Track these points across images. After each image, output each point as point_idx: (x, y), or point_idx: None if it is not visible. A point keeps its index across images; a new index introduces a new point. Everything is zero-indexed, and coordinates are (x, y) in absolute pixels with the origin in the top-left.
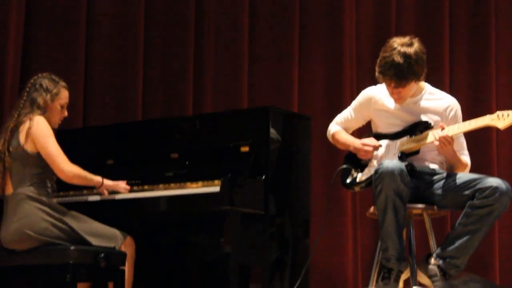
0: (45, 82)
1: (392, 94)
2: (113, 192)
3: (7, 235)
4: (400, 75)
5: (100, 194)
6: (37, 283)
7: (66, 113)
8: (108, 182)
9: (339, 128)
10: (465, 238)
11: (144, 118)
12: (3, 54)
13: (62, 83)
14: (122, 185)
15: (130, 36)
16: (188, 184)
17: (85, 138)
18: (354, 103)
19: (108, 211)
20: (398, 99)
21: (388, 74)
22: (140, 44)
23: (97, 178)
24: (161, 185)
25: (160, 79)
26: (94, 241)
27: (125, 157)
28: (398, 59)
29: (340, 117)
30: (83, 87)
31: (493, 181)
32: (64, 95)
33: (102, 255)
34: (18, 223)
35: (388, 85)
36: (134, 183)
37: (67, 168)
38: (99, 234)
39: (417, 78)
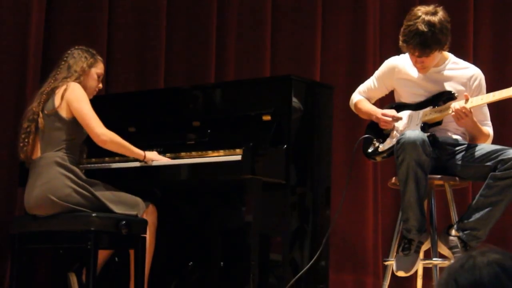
0: (83, 52)
1: (415, 63)
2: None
3: (30, 200)
4: (424, 44)
5: (125, 161)
6: (58, 250)
7: (101, 85)
8: (150, 156)
9: (361, 97)
10: (486, 210)
11: (166, 86)
12: (27, 22)
13: (99, 56)
14: (165, 160)
15: (153, 4)
16: (210, 152)
17: (107, 105)
18: (377, 72)
19: (130, 179)
20: (422, 69)
21: (412, 43)
22: (163, 12)
23: (139, 151)
24: (182, 153)
25: (183, 47)
26: (117, 209)
27: (147, 125)
28: (422, 27)
29: (363, 87)
30: (105, 55)
31: None
32: (100, 66)
33: (124, 222)
34: (42, 187)
35: (411, 54)
36: (156, 151)
37: (102, 131)
38: (121, 201)
39: (441, 47)
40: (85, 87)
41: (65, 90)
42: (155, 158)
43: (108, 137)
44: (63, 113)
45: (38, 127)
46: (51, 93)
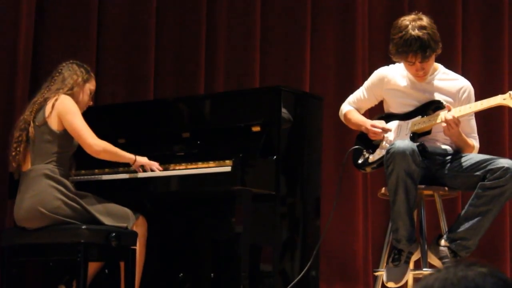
0: (79, 67)
1: (417, 71)
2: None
3: (20, 212)
4: (424, 46)
5: (114, 173)
6: (48, 262)
7: (91, 102)
8: (141, 160)
9: (351, 108)
10: (476, 220)
11: (156, 97)
12: (15, 36)
13: (92, 74)
14: (156, 164)
15: (142, 15)
16: (200, 163)
17: (97, 117)
18: (367, 83)
19: (120, 191)
20: (423, 76)
21: (412, 50)
22: (152, 23)
23: (130, 155)
24: (172, 165)
25: (172, 58)
26: (107, 221)
27: (136, 136)
28: (416, 32)
29: (352, 97)
30: (95, 66)
31: (505, 162)
32: (93, 83)
33: (113, 234)
34: (31, 200)
35: (412, 64)
36: None
37: (95, 142)
38: (111, 213)
39: (437, 48)
40: (77, 101)
41: (55, 100)
42: (144, 162)
43: (102, 147)
44: (54, 125)
45: (29, 137)
46: (43, 103)
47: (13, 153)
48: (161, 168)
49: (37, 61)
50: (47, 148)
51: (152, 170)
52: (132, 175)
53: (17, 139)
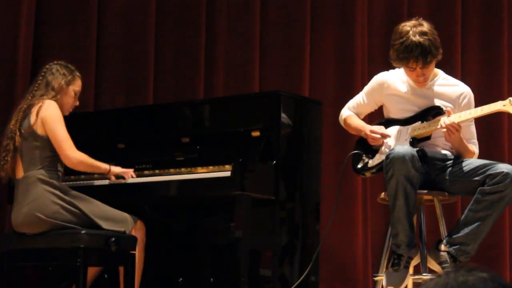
0: (61, 68)
1: (417, 77)
2: (121, 177)
3: (18, 219)
4: (425, 52)
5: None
6: (47, 267)
7: (77, 103)
8: (115, 170)
9: (351, 113)
10: (475, 225)
11: (156, 102)
12: (15, 38)
13: (77, 73)
14: (130, 172)
15: (142, 20)
16: (199, 168)
17: (97, 122)
18: (367, 88)
19: (119, 195)
20: (424, 81)
21: (412, 56)
22: (152, 28)
23: (104, 166)
24: (172, 170)
25: (172, 63)
26: (105, 225)
27: (136, 141)
28: (417, 38)
29: (352, 102)
30: (94, 71)
31: (504, 167)
32: (78, 83)
33: (113, 239)
34: (29, 206)
35: (413, 70)
36: (145, 167)
37: (72, 154)
38: (110, 218)
39: (438, 53)
40: (61, 105)
41: (40, 107)
42: (118, 171)
43: (78, 159)
44: (40, 131)
45: (16, 146)
46: (28, 110)
47: (2, 162)
48: (134, 176)
49: (37, 61)
50: (38, 154)
51: (125, 178)
52: (132, 180)
53: (5, 148)
